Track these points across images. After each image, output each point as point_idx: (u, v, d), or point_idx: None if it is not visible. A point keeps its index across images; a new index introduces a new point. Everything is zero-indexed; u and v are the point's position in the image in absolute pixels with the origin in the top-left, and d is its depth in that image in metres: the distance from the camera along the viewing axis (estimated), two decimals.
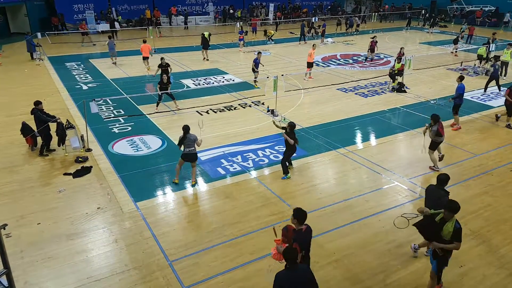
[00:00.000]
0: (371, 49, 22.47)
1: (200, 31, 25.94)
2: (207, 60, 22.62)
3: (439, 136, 9.77)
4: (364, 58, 23.10)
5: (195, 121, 11.07)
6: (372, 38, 22.81)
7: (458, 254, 7.14)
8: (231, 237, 7.58)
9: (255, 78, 17.50)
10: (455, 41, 24.94)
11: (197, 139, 9.10)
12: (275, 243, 5.51)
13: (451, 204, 5.56)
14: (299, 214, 5.36)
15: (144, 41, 20.43)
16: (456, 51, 24.70)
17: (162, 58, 16.23)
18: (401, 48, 19.50)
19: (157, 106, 14.35)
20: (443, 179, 6.61)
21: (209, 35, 23.47)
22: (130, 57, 22.82)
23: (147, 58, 20.29)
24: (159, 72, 15.57)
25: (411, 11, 38.69)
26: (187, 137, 8.97)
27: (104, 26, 30.56)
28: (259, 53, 17.86)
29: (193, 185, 9.38)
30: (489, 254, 7.24)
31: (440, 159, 10.31)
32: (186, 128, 8.97)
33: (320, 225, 7.94)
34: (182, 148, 9.14)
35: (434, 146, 10.03)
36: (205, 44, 22.76)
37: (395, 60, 18.11)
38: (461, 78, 12.72)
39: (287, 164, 9.88)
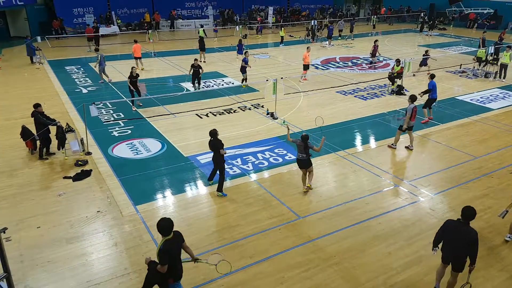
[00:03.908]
0: (373, 53, 22.42)
1: (194, 34, 25.45)
2: (204, 62, 22.47)
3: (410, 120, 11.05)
4: (369, 62, 22.87)
5: (201, 123, 10.93)
6: (375, 42, 22.49)
7: None
8: (231, 240, 7.57)
9: (244, 78, 17.65)
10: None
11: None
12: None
13: (158, 222, 5.17)
14: None
15: (135, 41, 20.39)
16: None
17: (195, 59, 17.03)
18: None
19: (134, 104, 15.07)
20: None
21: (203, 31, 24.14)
22: (129, 60, 22.80)
23: (140, 58, 20.30)
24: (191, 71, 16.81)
25: (418, 14, 38.50)
26: None
27: (104, 30, 30.55)
28: (246, 52, 18.18)
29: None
30: (489, 256, 7.23)
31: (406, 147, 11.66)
32: None
33: (320, 228, 7.94)
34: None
35: (402, 128, 11.26)
36: (202, 45, 22.92)
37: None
38: (432, 77, 13.96)
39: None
